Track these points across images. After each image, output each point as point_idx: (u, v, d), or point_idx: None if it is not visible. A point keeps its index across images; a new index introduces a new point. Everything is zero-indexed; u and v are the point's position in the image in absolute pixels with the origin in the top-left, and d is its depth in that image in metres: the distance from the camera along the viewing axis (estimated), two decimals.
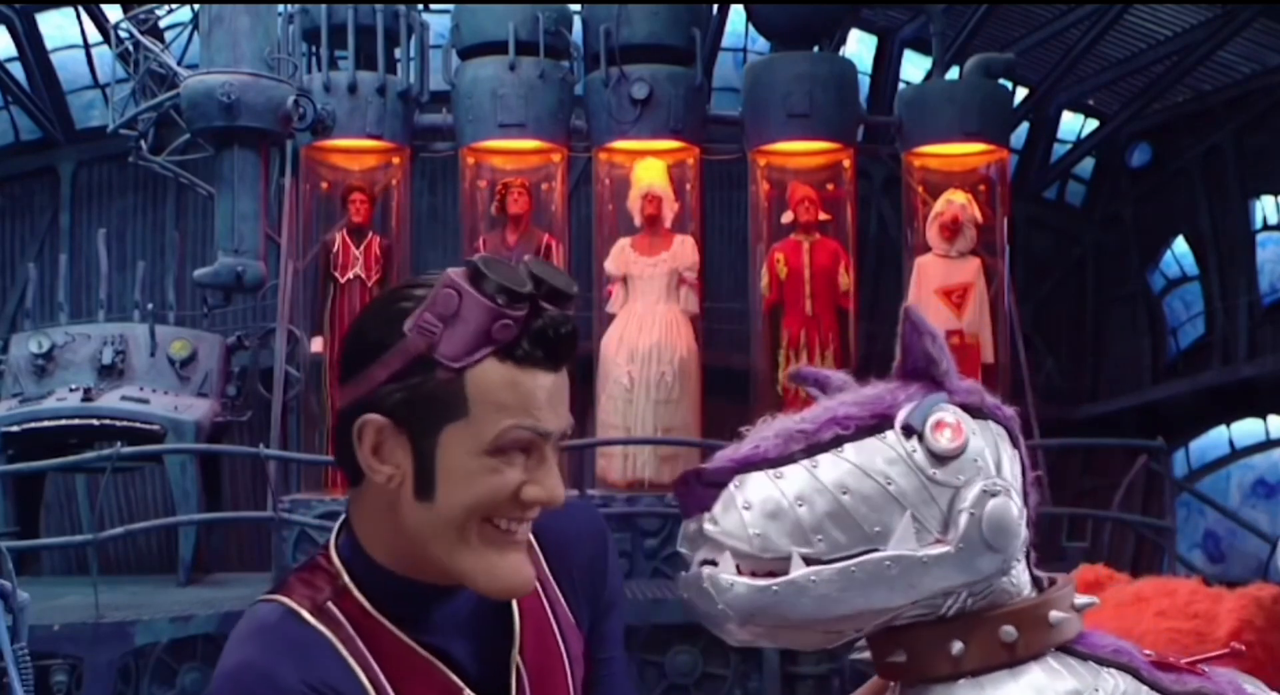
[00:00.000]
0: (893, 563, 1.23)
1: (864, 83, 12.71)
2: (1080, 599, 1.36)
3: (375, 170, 10.25)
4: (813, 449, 1.26)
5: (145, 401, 9.05)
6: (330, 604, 1.28)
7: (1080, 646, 1.33)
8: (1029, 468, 1.36)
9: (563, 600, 1.41)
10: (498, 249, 9.67)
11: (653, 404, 9.36)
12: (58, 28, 12.81)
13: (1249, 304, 12.82)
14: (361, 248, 9.85)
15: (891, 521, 1.23)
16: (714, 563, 1.25)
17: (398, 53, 10.19)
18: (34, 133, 13.26)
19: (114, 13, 11.34)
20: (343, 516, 1.35)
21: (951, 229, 9.78)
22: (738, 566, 1.24)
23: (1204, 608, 3.66)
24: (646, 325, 9.47)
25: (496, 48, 9.70)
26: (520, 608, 1.36)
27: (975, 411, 1.31)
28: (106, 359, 9.24)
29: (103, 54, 12.08)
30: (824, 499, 1.23)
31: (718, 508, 1.24)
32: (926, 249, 10.01)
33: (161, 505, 10.71)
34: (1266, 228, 13.02)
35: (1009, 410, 1.34)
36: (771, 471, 1.25)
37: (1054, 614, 1.31)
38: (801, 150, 10.16)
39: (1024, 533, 1.30)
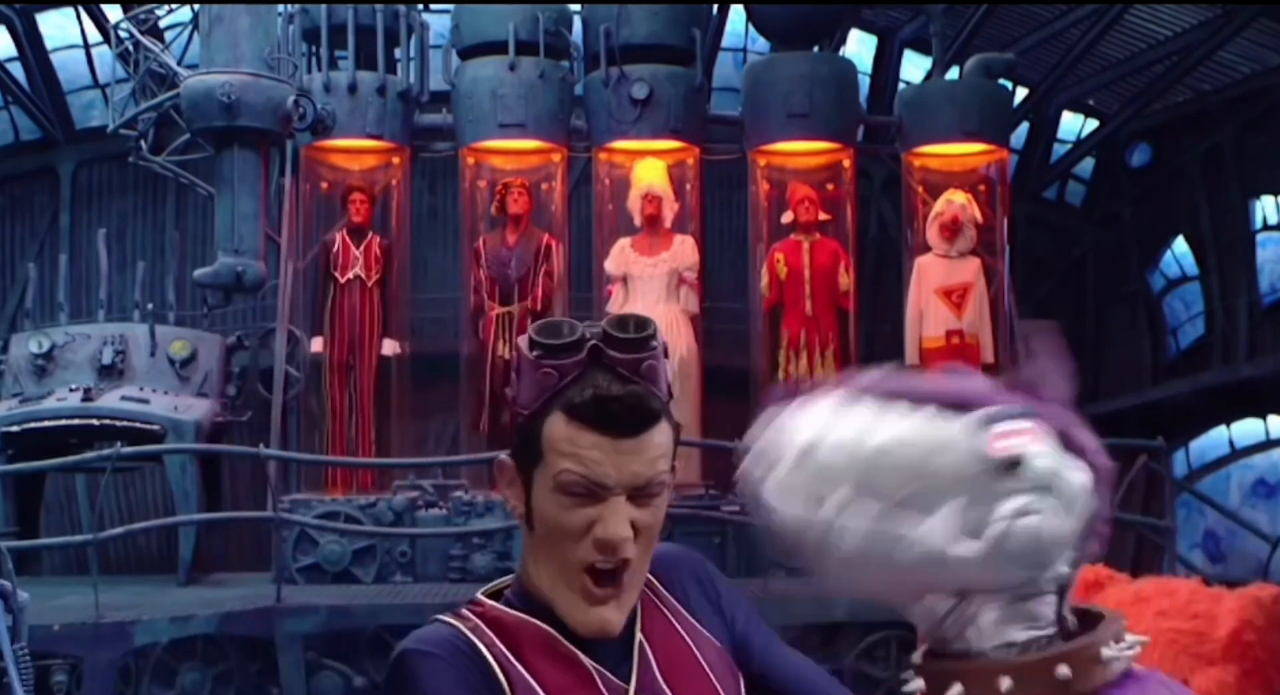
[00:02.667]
0: (918, 543, 1.25)
1: (864, 83, 12.71)
2: (1131, 637, 1.37)
3: (375, 170, 10.26)
4: (890, 398, 1.31)
5: (145, 401, 9.06)
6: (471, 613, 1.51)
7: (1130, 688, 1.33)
8: (1102, 516, 1.36)
9: (686, 614, 1.59)
10: (497, 249, 9.68)
11: None
12: (58, 28, 12.81)
13: (1249, 304, 12.81)
14: (361, 248, 9.85)
15: (924, 498, 1.26)
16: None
17: (398, 53, 10.19)
18: (34, 133, 13.26)
19: (114, 13, 11.33)
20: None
21: (951, 229, 9.78)
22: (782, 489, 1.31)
23: (1204, 608, 3.66)
24: None
25: (496, 48, 9.71)
26: (643, 618, 1.54)
27: (1063, 439, 1.32)
28: (106, 359, 9.24)
29: (103, 54, 12.08)
30: (877, 449, 1.27)
31: (779, 423, 1.34)
32: (926, 249, 10.01)
33: (161, 505, 10.70)
34: (1266, 228, 13.01)
35: (1106, 460, 1.34)
36: (840, 404, 1.31)
37: (1105, 652, 1.31)
38: (801, 150, 10.17)
39: (1063, 566, 1.31)
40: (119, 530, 8.47)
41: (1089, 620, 1.40)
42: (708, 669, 1.52)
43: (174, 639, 7.50)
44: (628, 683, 1.47)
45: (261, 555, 9.63)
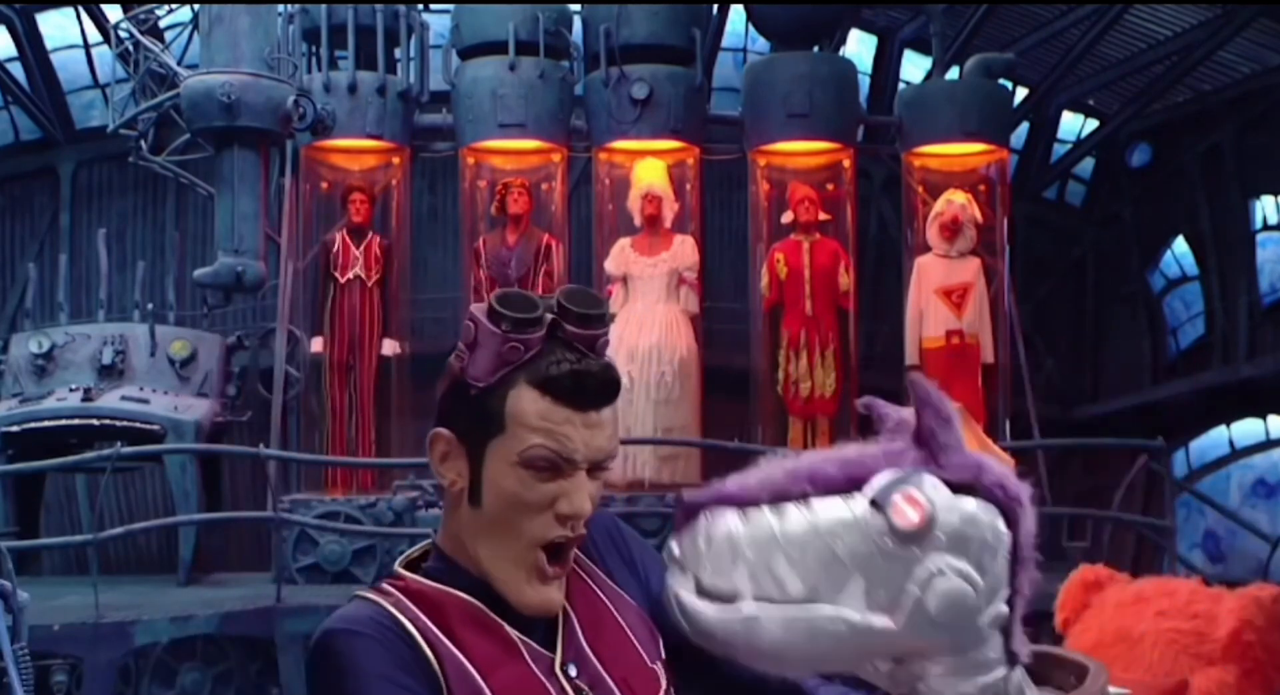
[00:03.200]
0: (836, 621, 1.24)
1: (864, 83, 12.71)
2: (1114, 691, 1.36)
3: (375, 170, 10.25)
4: (780, 498, 1.28)
5: (145, 401, 9.05)
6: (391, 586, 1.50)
7: None
8: (1028, 546, 1.32)
9: (603, 577, 1.58)
10: (497, 249, 9.68)
11: (653, 404, 9.35)
12: (58, 28, 12.80)
13: (1249, 304, 12.81)
14: (361, 248, 9.85)
15: (842, 583, 1.24)
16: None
17: (398, 53, 10.19)
18: (34, 133, 13.25)
19: (114, 13, 11.32)
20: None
21: (951, 229, 9.78)
22: (699, 592, 1.29)
23: (1204, 608, 3.65)
24: (646, 325, 9.47)
25: (496, 48, 9.70)
26: (567, 586, 1.52)
27: (968, 489, 1.28)
28: (106, 359, 9.23)
29: (103, 54, 12.07)
30: (777, 547, 1.25)
31: (686, 533, 1.31)
32: (926, 249, 10.00)
33: (161, 505, 10.70)
34: (1266, 228, 13.01)
35: (1015, 489, 1.30)
36: (740, 511, 1.28)
37: None
38: (801, 150, 10.17)
39: (999, 606, 1.28)
40: (119, 530, 8.47)
41: (1066, 667, 1.38)
42: (629, 632, 1.52)
43: (174, 639, 7.50)
44: (553, 651, 1.46)
45: (261, 555, 9.63)
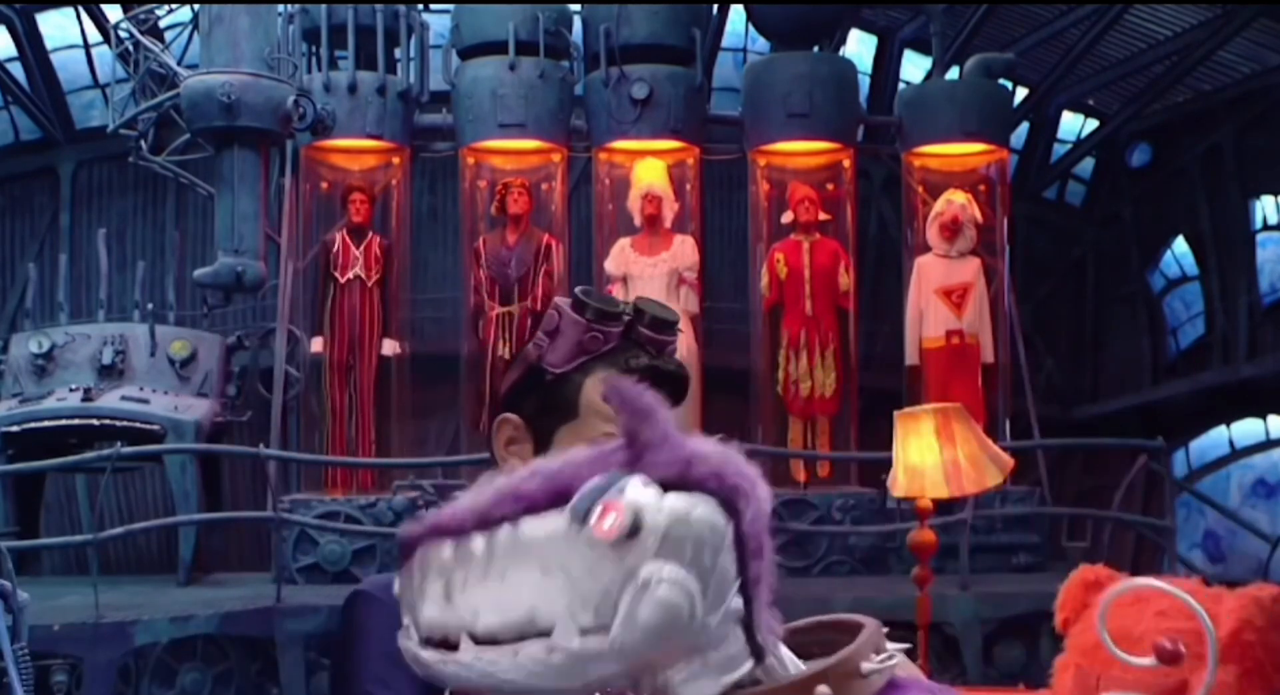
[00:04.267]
0: (553, 651, 1.16)
1: (864, 83, 12.70)
2: (891, 646, 1.32)
3: (375, 170, 10.26)
4: (485, 523, 1.20)
5: (145, 401, 9.05)
6: None
7: None
8: (756, 533, 1.23)
9: None
10: (497, 249, 9.68)
11: None
12: (58, 28, 12.80)
13: (1249, 304, 12.81)
14: (361, 248, 9.85)
15: (556, 605, 1.16)
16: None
17: (398, 53, 10.19)
18: (34, 133, 13.25)
19: (114, 13, 11.32)
20: None
21: (951, 229, 9.78)
22: (423, 638, 1.20)
23: (1204, 608, 3.65)
24: None
25: (496, 48, 9.71)
26: None
27: (677, 484, 1.21)
28: (106, 359, 9.23)
29: (103, 54, 12.07)
30: (489, 574, 1.17)
31: (404, 572, 1.21)
32: (926, 249, 10.01)
33: (161, 505, 10.69)
34: (1266, 228, 13.00)
35: (732, 476, 1.21)
36: (453, 541, 1.19)
37: (865, 666, 1.24)
38: (801, 150, 10.17)
39: (733, 601, 1.20)
40: (119, 530, 8.47)
41: (849, 631, 1.34)
42: None
43: (174, 639, 7.50)
44: None
45: (261, 555, 9.63)
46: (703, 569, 1.18)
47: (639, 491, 1.17)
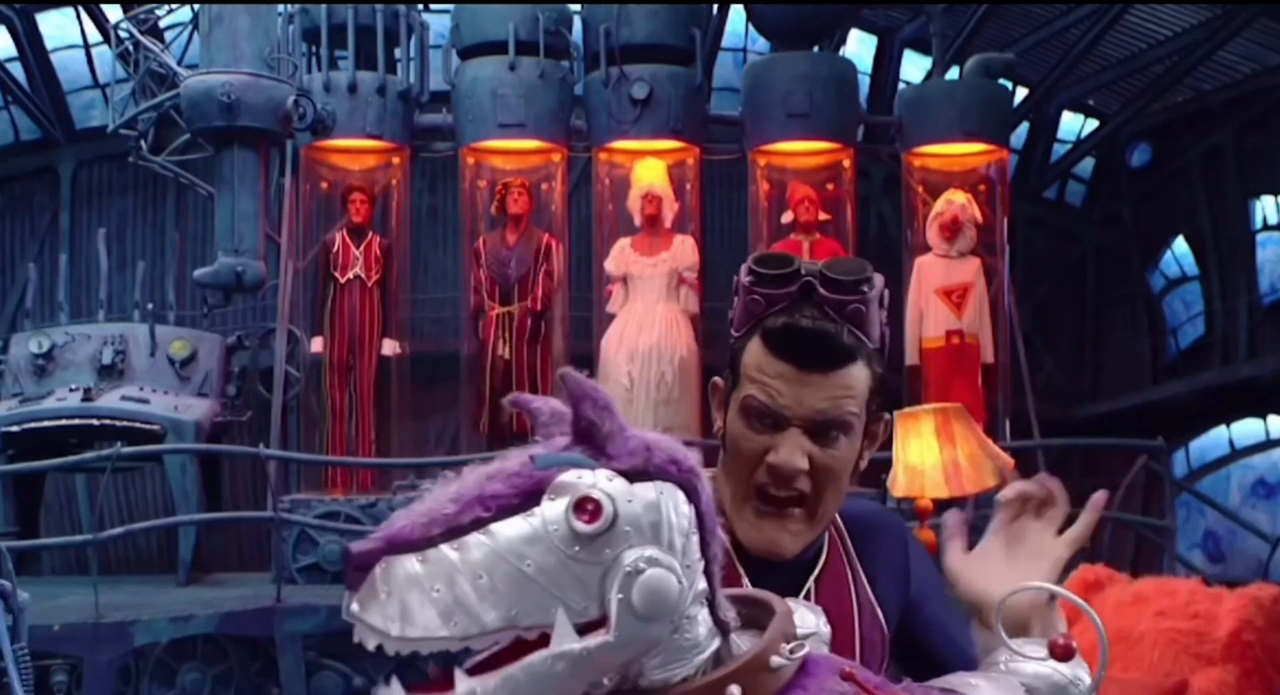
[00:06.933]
0: (556, 660, 1.16)
1: (864, 83, 12.71)
2: (801, 632, 1.32)
3: (375, 170, 10.26)
4: (455, 532, 1.18)
5: (145, 401, 9.05)
6: None
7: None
8: (710, 515, 1.26)
9: (864, 576, 1.63)
10: (497, 249, 9.68)
11: (653, 404, 9.36)
12: (58, 28, 12.80)
13: (1249, 304, 12.81)
14: (361, 248, 9.85)
15: (541, 604, 1.16)
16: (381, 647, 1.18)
17: (398, 53, 10.19)
18: (34, 133, 13.26)
19: (114, 13, 11.32)
20: None
21: (951, 229, 9.78)
22: (398, 665, 1.17)
23: (1204, 608, 3.66)
24: (646, 325, 9.47)
25: (496, 48, 9.71)
26: (823, 567, 1.59)
27: (641, 474, 1.22)
28: (106, 359, 9.23)
29: (103, 54, 12.07)
30: (464, 581, 1.15)
31: (365, 591, 1.16)
32: (926, 249, 10.01)
33: (161, 505, 10.70)
34: (1266, 228, 13.01)
35: (686, 461, 1.24)
36: (417, 554, 1.17)
37: (774, 660, 1.25)
38: (801, 150, 10.17)
39: (694, 592, 1.22)
40: (119, 530, 8.46)
41: (759, 605, 1.34)
42: (858, 640, 1.56)
43: (174, 639, 7.50)
44: None
45: (261, 555, 9.64)
46: (675, 552, 1.20)
47: (611, 482, 1.19)
